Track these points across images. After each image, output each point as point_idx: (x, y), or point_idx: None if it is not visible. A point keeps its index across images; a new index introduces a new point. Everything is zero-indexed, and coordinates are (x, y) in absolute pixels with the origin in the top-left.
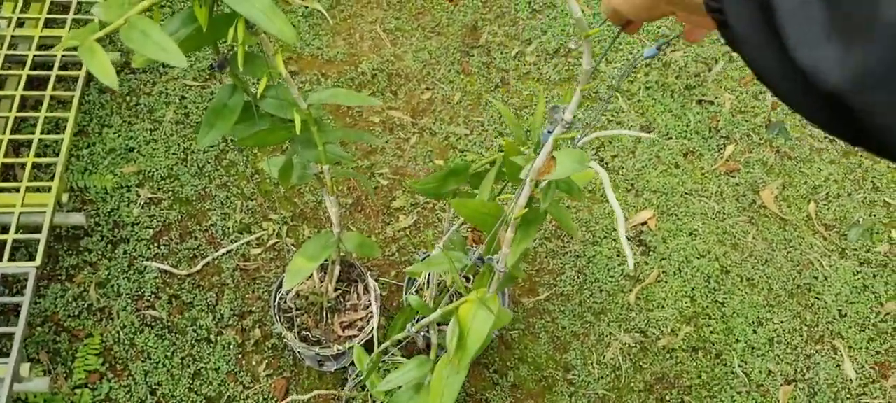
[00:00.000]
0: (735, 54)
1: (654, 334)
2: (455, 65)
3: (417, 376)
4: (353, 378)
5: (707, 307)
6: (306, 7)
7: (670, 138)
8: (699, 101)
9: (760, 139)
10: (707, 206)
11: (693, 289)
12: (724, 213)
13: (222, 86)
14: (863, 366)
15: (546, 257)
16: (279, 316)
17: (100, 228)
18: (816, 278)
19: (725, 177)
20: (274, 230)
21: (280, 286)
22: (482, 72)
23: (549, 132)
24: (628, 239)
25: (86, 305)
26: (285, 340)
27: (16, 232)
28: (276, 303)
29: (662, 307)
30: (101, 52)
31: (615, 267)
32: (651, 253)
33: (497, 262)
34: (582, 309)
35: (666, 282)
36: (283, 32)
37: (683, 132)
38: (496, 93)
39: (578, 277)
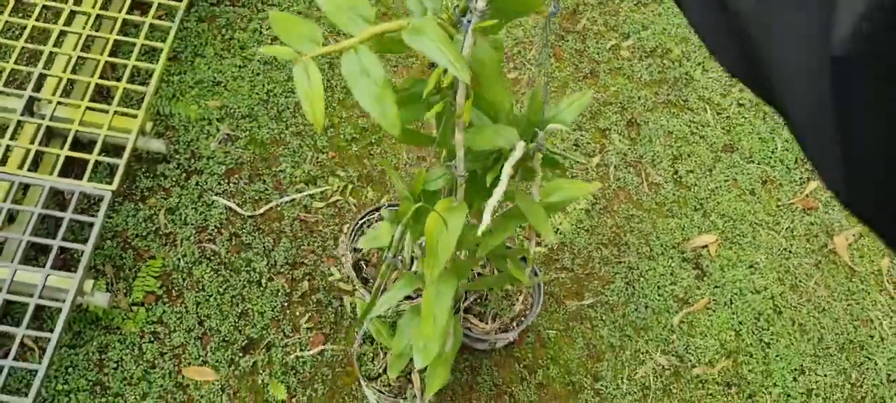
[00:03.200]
0: None
1: (690, 360)
2: (547, 47)
3: (406, 293)
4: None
5: (751, 344)
6: None
7: (752, 162)
8: None
9: None
10: (774, 241)
11: (740, 324)
12: (790, 252)
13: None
14: None
15: (599, 263)
16: (351, 252)
17: (177, 156)
18: (873, 337)
19: (801, 213)
20: (339, 187)
21: (356, 229)
22: (573, 59)
23: (469, 22)
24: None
25: (154, 228)
26: (350, 280)
27: (99, 154)
28: (350, 239)
29: (705, 336)
30: (318, 76)
31: (666, 287)
32: (705, 278)
33: (455, 168)
34: (624, 322)
35: (714, 311)
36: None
37: (767, 158)
38: (584, 82)
39: (627, 289)
